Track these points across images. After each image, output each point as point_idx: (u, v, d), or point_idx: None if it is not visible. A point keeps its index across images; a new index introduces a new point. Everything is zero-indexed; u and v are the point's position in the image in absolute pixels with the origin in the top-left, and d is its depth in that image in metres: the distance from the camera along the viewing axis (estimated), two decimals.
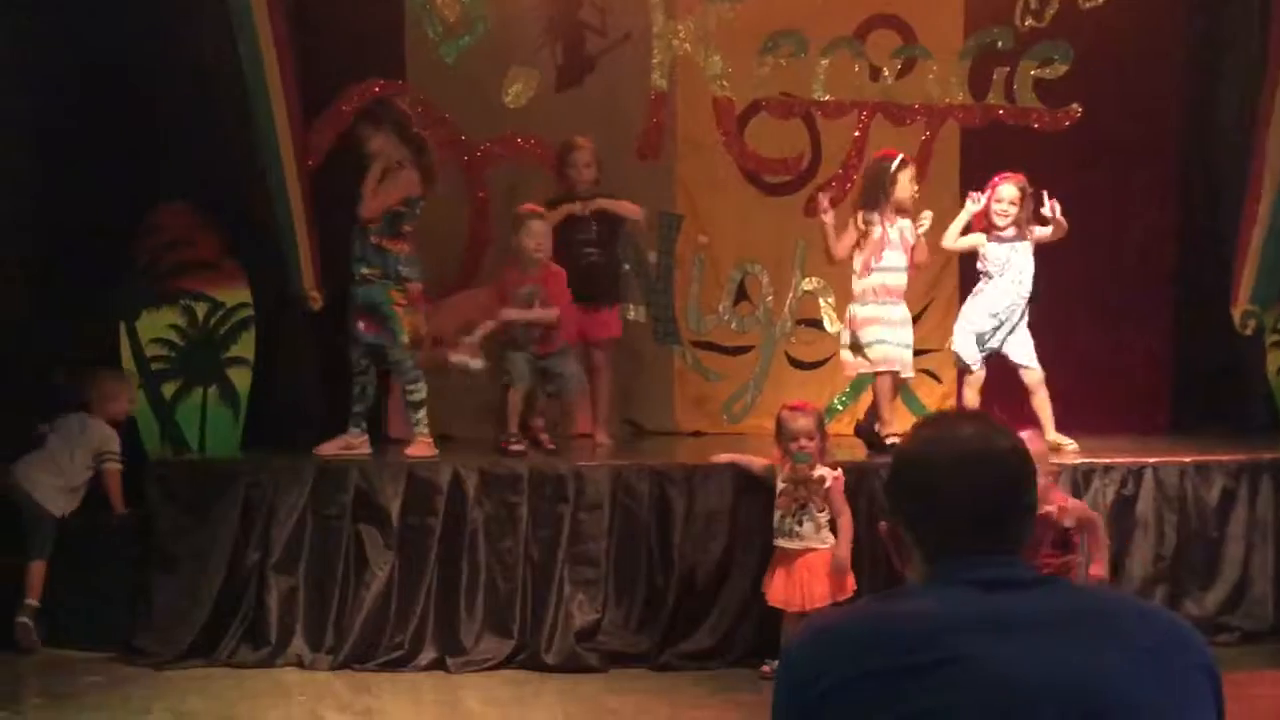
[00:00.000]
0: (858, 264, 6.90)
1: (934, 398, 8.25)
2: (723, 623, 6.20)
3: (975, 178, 7.97)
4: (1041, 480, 4.62)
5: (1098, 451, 6.81)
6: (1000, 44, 8.35)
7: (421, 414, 6.78)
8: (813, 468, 5.91)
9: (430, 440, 6.78)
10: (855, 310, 6.91)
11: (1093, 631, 1.81)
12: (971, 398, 7.17)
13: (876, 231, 6.85)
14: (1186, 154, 8.35)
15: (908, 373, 7.03)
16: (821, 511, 5.92)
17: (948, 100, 8.37)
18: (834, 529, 5.93)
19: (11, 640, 6.22)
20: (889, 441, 6.75)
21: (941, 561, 1.89)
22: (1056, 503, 5.55)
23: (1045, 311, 7.24)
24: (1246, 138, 7.74)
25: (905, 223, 6.94)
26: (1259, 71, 7.70)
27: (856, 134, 8.31)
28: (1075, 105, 8.32)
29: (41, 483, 6.50)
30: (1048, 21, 8.31)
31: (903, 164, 6.96)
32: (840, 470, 6.02)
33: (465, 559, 6.22)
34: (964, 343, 7.11)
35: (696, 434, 8.18)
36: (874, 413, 7.10)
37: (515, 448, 6.75)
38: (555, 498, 6.28)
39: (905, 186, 6.90)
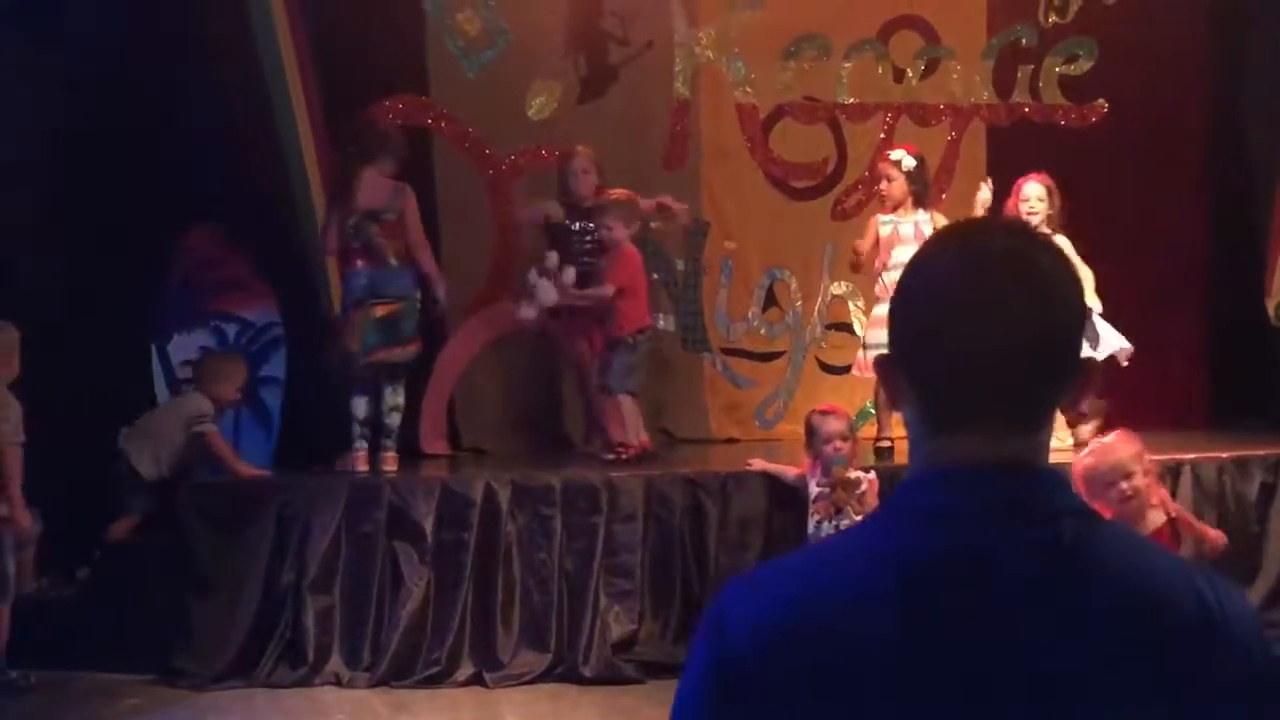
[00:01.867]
0: (878, 264, 6.90)
1: None
2: None
3: (1002, 176, 7.91)
4: (1142, 480, 4.56)
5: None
6: (1024, 42, 8.32)
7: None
8: (846, 470, 5.87)
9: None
10: (874, 311, 6.89)
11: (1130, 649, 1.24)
12: None
13: (885, 230, 6.83)
14: (1215, 147, 8.28)
15: None
16: (859, 515, 5.88)
17: (973, 100, 8.35)
18: None
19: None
20: (881, 445, 6.75)
21: (940, 438, 1.34)
22: (1165, 505, 4.90)
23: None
24: (1275, 128, 7.68)
25: (922, 216, 6.88)
26: None
27: (882, 136, 8.28)
28: (1101, 101, 8.28)
29: (136, 445, 6.64)
30: (1071, 18, 8.28)
31: (899, 159, 6.91)
32: (874, 473, 5.99)
33: (500, 573, 6.20)
34: None
35: (730, 441, 8.17)
36: None
37: (628, 454, 6.76)
38: (589, 509, 6.26)
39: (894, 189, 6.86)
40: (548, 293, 6.90)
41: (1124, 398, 7.56)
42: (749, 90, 8.31)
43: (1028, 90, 8.33)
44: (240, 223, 7.23)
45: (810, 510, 5.92)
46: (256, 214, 7.18)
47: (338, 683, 6.14)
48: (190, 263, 7.22)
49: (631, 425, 6.91)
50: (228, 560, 6.32)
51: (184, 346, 7.20)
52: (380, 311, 6.64)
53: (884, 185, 6.93)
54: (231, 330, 7.22)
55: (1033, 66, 8.31)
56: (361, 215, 6.60)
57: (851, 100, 8.34)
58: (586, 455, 7.06)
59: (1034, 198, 6.98)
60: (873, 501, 5.90)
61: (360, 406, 6.77)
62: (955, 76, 8.33)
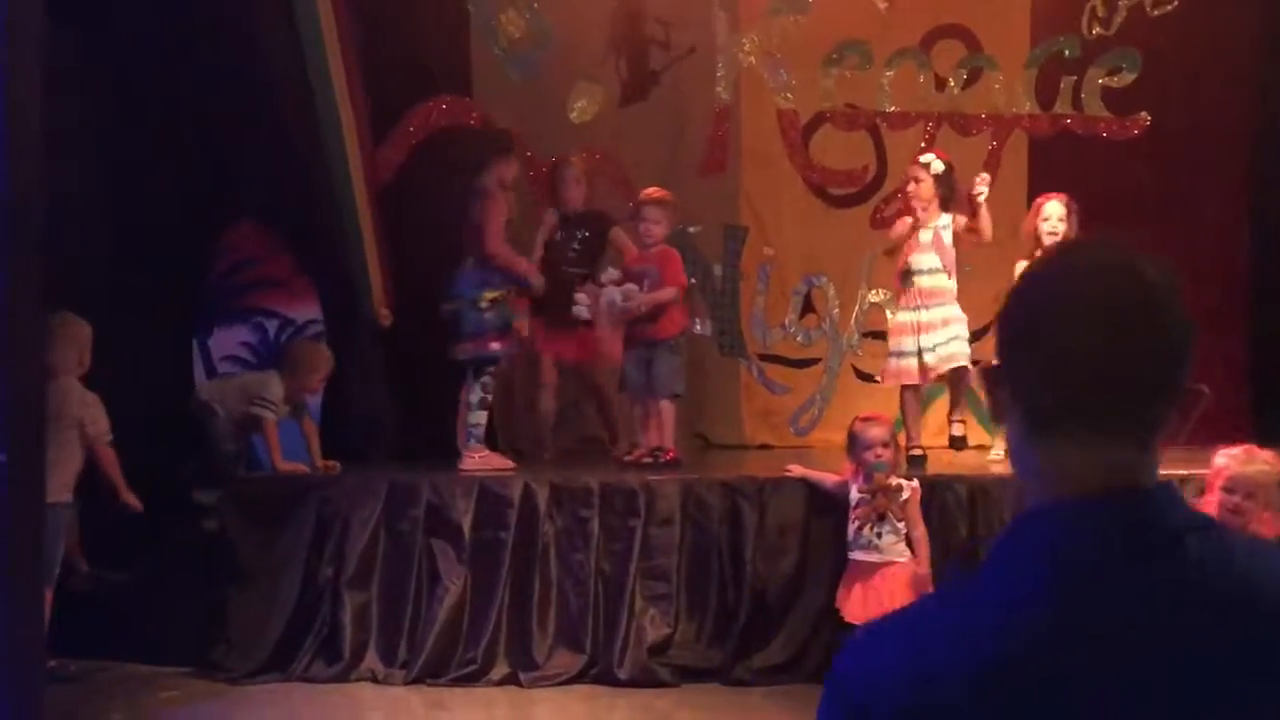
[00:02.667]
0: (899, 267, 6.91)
1: None
2: (796, 637, 6.16)
3: (1043, 187, 7.90)
4: (1253, 503, 4.57)
5: (1176, 463, 6.72)
6: (1067, 53, 8.30)
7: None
8: (888, 477, 5.87)
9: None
10: (892, 319, 6.91)
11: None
12: None
13: (923, 237, 6.84)
14: (1259, 161, 8.23)
15: (947, 366, 6.86)
16: (900, 522, 5.88)
17: (1014, 110, 8.33)
18: (909, 544, 5.88)
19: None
20: (914, 454, 6.73)
21: (1045, 450, 1.33)
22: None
23: None
24: None
25: (943, 220, 6.87)
26: None
27: (922, 145, 8.24)
28: (1144, 114, 8.25)
29: (209, 395, 6.80)
30: (1115, 30, 8.25)
31: (928, 162, 6.93)
32: (916, 481, 5.98)
33: (537, 573, 6.22)
34: None
35: (763, 447, 8.16)
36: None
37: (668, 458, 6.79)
38: (626, 512, 6.27)
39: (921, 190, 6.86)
40: (615, 301, 6.93)
41: None
42: (790, 97, 8.31)
43: (1070, 101, 8.31)
44: (283, 220, 7.27)
45: (851, 517, 5.92)
46: (300, 212, 7.21)
47: (373, 679, 6.17)
48: (233, 258, 7.27)
49: (669, 430, 6.91)
50: (266, 555, 6.37)
51: (224, 341, 7.24)
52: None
53: (911, 187, 6.92)
54: (272, 326, 7.27)
55: (1075, 77, 8.29)
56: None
57: (893, 108, 8.34)
58: (619, 460, 7.05)
59: (1055, 217, 6.96)
60: (914, 511, 5.89)
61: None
62: (997, 86, 8.32)
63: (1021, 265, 7.05)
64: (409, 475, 6.58)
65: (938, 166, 6.95)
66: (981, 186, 6.89)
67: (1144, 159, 8.10)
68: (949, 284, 6.86)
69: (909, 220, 6.89)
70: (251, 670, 6.19)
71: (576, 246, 7.36)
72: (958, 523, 6.21)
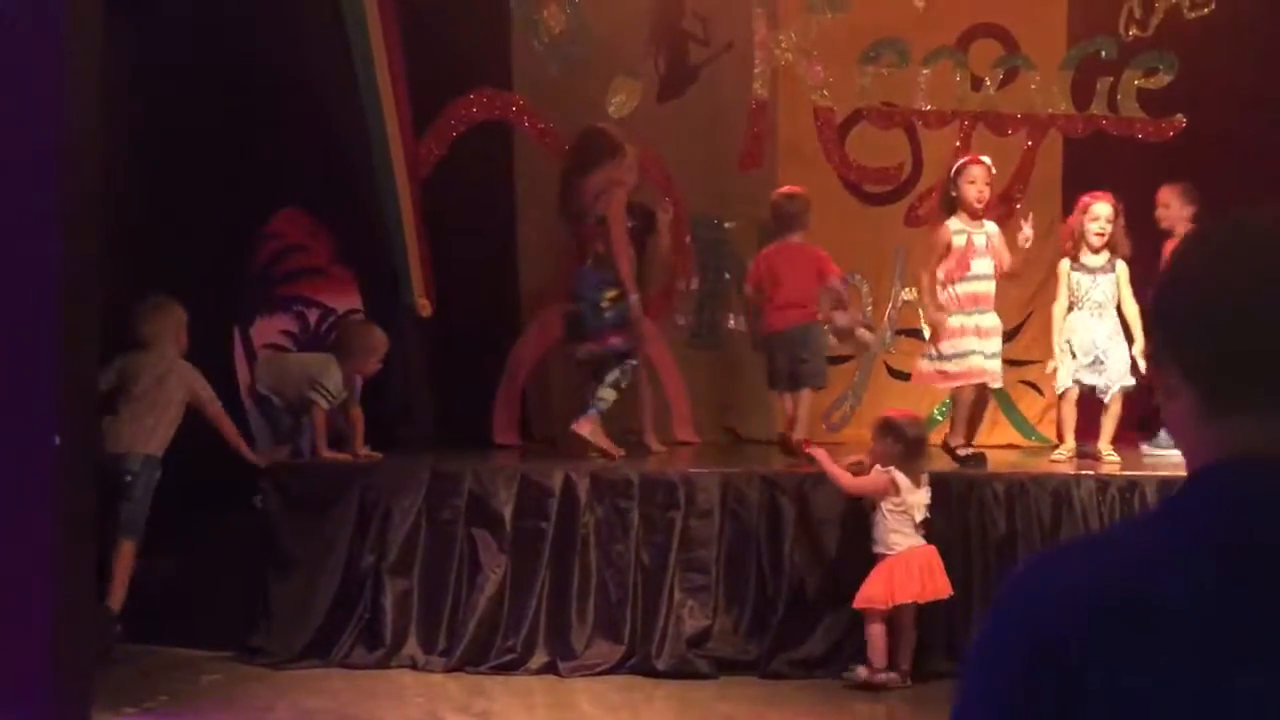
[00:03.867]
0: (942, 273, 6.91)
1: (1035, 409, 8.23)
2: (833, 631, 6.20)
3: (1078, 188, 7.95)
4: None
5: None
6: (1104, 54, 8.31)
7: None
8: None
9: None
10: (946, 321, 6.91)
11: None
12: (1069, 413, 7.16)
13: (960, 240, 6.85)
14: None
15: (996, 383, 7.01)
16: (903, 512, 6.00)
17: (1050, 110, 8.34)
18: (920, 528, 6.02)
19: None
20: (960, 453, 6.81)
21: (1219, 427, 1.31)
22: None
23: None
24: None
25: (992, 227, 6.93)
26: None
27: (958, 144, 8.28)
28: (1180, 115, 8.26)
29: (264, 375, 6.96)
30: (1152, 31, 8.25)
31: (965, 165, 6.96)
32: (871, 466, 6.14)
33: (577, 563, 6.28)
34: (1061, 368, 7.09)
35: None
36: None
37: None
38: (666, 504, 6.32)
39: (971, 188, 6.88)
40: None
41: None
42: (826, 94, 8.34)
43: (1105, 102, 8.32)
44: (325, 209, 7.32)
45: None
46: (342, 201, 7.27)
47: (413, 666, 6.23)
48: (275, 246, 7.31)
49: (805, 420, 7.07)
50: (308, 541, 6.42)
51: (265, 329, 7.29)
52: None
53: (979, 188, 6.92)
54: (313, 315, 7.31)
55: (1111, 79, 8.30)
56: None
57: (929, 107, 8.36)
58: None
59: (1104, 217, 7.03)
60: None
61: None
62: (1033, 86, 8.33)
63: (1066, 264, 7.10)
64: (451, 464, 6.63)
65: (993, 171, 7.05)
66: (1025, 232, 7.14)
67: (1179, 161, 8.10)
68: (992, 290, 6.93)
69: (945, 237, 6.92)
70: (292, 655, 6.25)
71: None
72: (997, 519, 6.27)
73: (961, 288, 6.88)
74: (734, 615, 6.28)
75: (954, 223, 6.91)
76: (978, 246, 6.88)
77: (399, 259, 7.27)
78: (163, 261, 6.89)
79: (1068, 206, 8.08)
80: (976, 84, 8.34)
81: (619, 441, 7.06)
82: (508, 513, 6.33)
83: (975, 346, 6.83)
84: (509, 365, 7.88)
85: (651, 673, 6.14)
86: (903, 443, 6.09)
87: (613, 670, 6.18)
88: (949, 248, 6.89)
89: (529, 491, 6.36)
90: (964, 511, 6.27)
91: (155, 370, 6.45)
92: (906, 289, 8.31)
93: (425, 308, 7.32)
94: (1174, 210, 7.44)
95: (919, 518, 6.01)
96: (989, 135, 8.32)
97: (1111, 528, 1.48)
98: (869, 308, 8.34)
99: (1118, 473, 6.58)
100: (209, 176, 6.98)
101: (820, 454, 6.35)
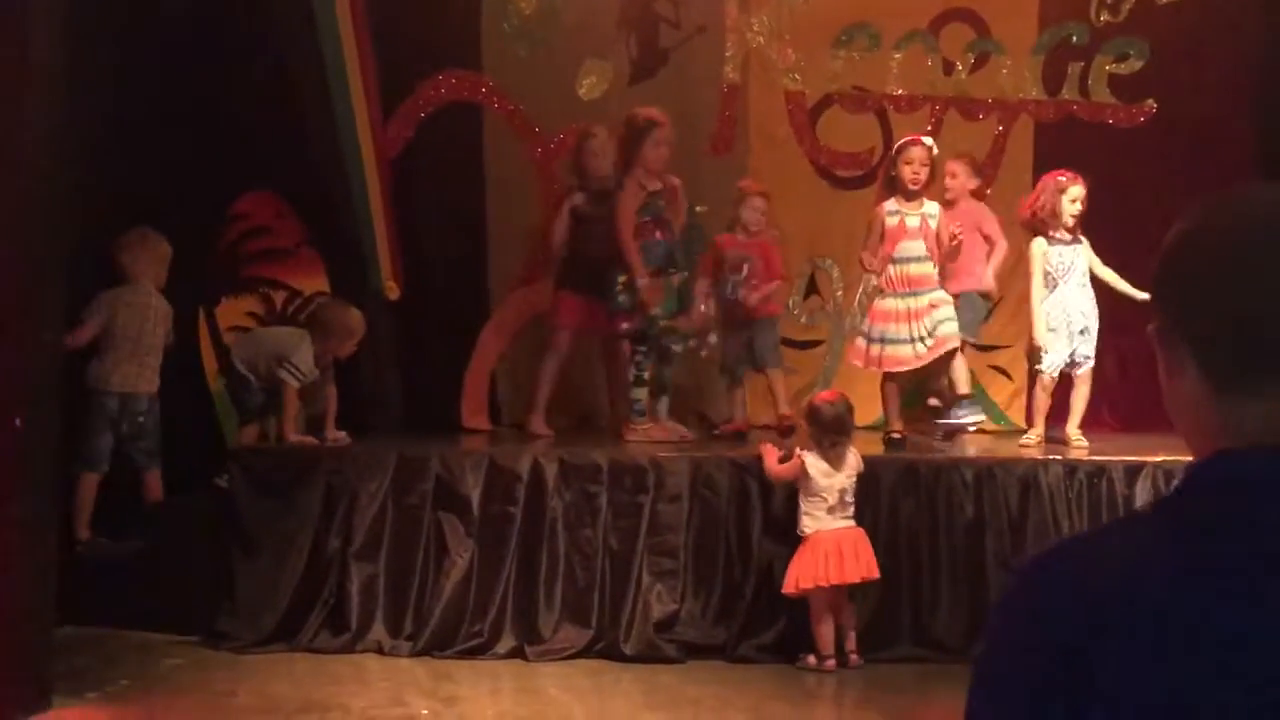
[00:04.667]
0: (874, 258, 6.95)
1: (1004, 395, 8.23)
2: (801, 616, 6.18)
3: (1049, 172, 7.97)
4: None
5: (1155, 449, 6.73)
6: (1075, 39, 8.30)
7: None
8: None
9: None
10: (875, 304, 7.00)
11: None
12: (1042, 398, 7.17)
13: (893, 220, 6.86)
14: (1264, 150, 8.26)
15: (950, 345, 6.95)
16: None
17: (1021, 95, 8.33)
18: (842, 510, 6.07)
19: None
20: (894, 438, 6.87)
21: (1226, 404, 1.29)
22: None
23: (1112, 310, 7.17)
24: None
25: (932, 208, 6.91)
26: None
27: (929, 128, 8.25)
28: (1150, 101, 8.26)
29: (239, 351, 6.88)
30: (1124, 17, 8.24)
31: (904, 145, 6.96)
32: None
33: (544, 548, 6.25)
34: (1051, 350, 7.08)
35: (766, 427, 8.17)
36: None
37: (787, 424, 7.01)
38: (635, 488, 6.30)
39: (907, 169, 6.89)
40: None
41: (1158, 396, 7.59)
42: (798, 78, 8.31)
43: (1077, 88, 8.31)
44: (292, 191, 7.26)
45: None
46: (309, 183, 7.20)
47: (380, 651, 6.20)
48: (242, 227, 7.25)
49: (784, 398, 7.40)
50: (274, 525, 6.38)
51: (231, 311, 7.23)
52: (677, 280, 6.95)
53: (915, 169, 6.92)
54: (279, 298, 7.25)
55: (1083, 64, 8.29)
56: (649, 193, 6.92)
57: (900, 91, 8.34)
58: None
59: (1080, 198, 7.05)
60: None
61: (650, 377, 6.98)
62: (1005, 71, 8.32)
63: (1041, 243, 7.09)
64: (418, 448, 6.59)
65: (935, 150, 7.06)
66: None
67: (1150, 146, 8.12)
68: (933, 270, 6.91)
69: (880, 220, 6.94)
70: (258, 640, 6.21)
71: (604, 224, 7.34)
72: (965, 504, 6.27)
73: (892, 269, 6.89)
74: (702, 600, 6.26)
75: (890, 204, 6.94)
76: (909, 228, 6.89)
77: (367, 241, 7.22)
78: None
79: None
80: (948, 68, 8.33)
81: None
82: (475, 497, 6.30)
83: (904, 334, 6.82)
84: (478, 349, 7.83)
85: (619, 657, 6.13)
86: (817, 425, 6.17)
87: (580, 655, 6.16)
88: (883, 228, 6.89)
89: (497, 476, 6.33)
90: (932, 497, 6.28)
91: (145, 308, 6.63)
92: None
93: (393, 290, 7.27)
94: (960, 181, 7.65)
95: (831, 500, 6.03)
96: (960, 120, 8.32)
97: (1119, 522, 1.43)
98: (839, 292, 8.33)
99: (1085, 458, 6.59)
100: (174, 157, 6.91)
101: (765, 445, 6.37)
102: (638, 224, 6.91)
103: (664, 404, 7.13)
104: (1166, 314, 1.33)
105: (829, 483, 6.03)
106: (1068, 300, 7.05)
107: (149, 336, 6.63)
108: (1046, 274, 7.07)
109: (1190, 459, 1.32)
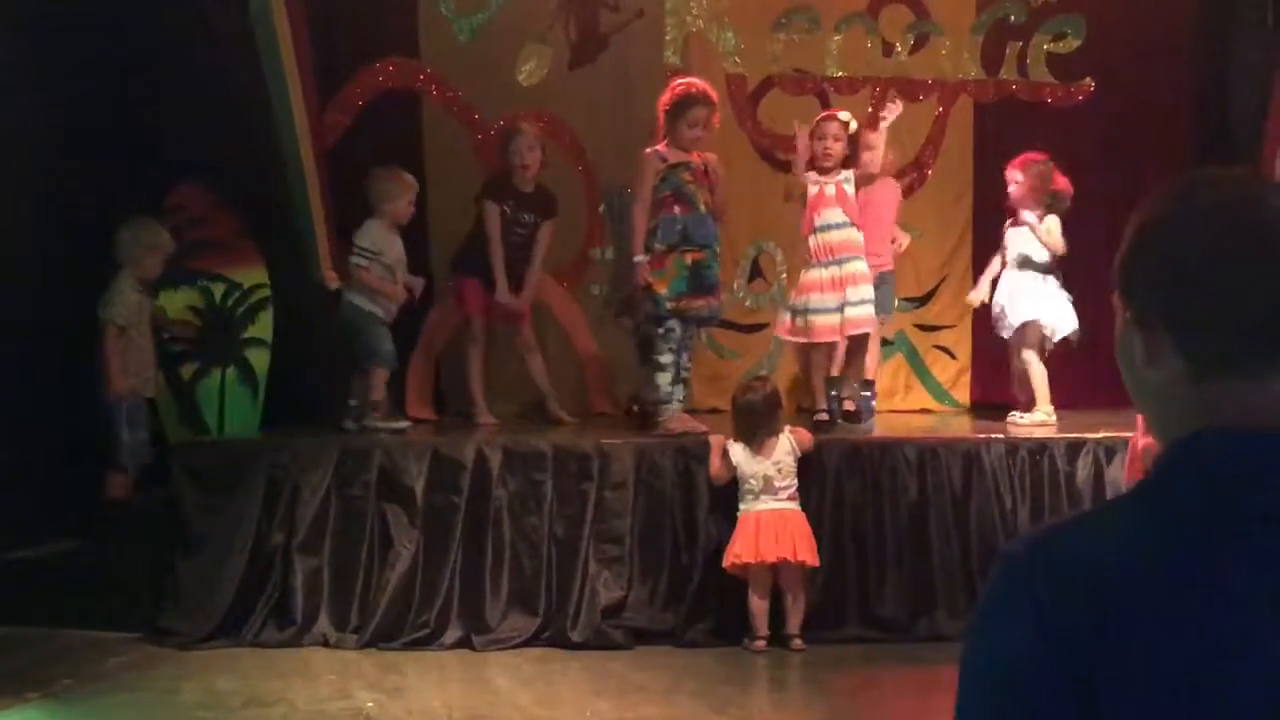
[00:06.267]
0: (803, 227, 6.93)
1: (949, 374, 8.28)
2: (746, 599, 6.20)
3: (989, 152, 8.02)
4: None
5: (1124, 426, 6.80)
6: (1012, 18, 8.33)
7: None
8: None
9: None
10: (800, 276, 6.96)
11: None
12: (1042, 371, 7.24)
13: (813, 190, 6.86)
14: (1200, 126, 8.32)
15: (863, 329, 6.92)
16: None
17: (960, 75, 8.36)
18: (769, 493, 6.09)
19: None
20: (816, 419, 6.82)
21: (1206, 387, 1.31)
22: None
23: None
24: (1258, 108, 7.74)
25: (845, 175, 6.90)
26: (1271, 45, 7.70)
27: (870, 110, 8.27)
28: (1088, 79, 8.31)
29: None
30: None
31: (819, 121, 6.97)
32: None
33: (490, 537, 6.23)
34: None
35: (713, 411, 8.16)
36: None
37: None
38: (580, 475, 6.29)
39: (819, 144, 6.87)
40: None
41: (1098, 375, 7.65)
42: (738, 61, 8.29)
43: (1015, 67, 8.35)
44: (229, 182, 7.17)
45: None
46: (245, 174, 7.11)
47: (325, 644, 6.17)
48: (177, 221, 7.15)
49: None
50: (216, 520, 6.33)
51: (171, 305, 7.14)
52: (691, 259, 6.68)
53: (828, 144, 6.91)
54: (219, 290, 7.17)
55: (1021, 43, 8.32)
56: (669, 165, 6.70)
57: (840, 73, 8.34)
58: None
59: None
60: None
61: (670, 361, 6.74)
62: (944, 52, 8.34)
63: (1055, 220, 7.10)
64: (361, 439, 6.55)
65: (854, 125, 7.01)
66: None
67: (1088, 125, 8.16)
68: (858, 236, 6.89)
69: (811, 175, 6.89)
70: (202, 636, 6.16)
71: (520, 230, 7.30)
72: (908, 483, 6.30)
73: (813, 239, 6.87)
74: (649, 585, 6.26)
75: (810, 175, 6.91)
76: (827, 196, 6.88)
77: (306, 232, 7.14)
78: (60, 239, 6.74)
79: (980, 171, 8.16)
80: (887, 50, 8.34)
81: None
82: (419, 488, 6.27)
83: (829, 304, 6.78)
84: (421, 338, 7.79)
85: (567, 644, 6.12)
86: (737, 414, 6.23)
87: (528, 643, 6.15)
88: (805, 200, 6.90)
89: (441, 466, 6.30)
90: (876, 476, 6.30)
91: (143, 304, 6.84)
92: None
93: (334, 281, 7.19)
94: (876, 154, 7.41)
95: (757, 486, 6.05)
96: (900, 101, 8.30)
97: (1104, 507, 1.42)
98: (782, 274, 8.34)
99: (1026, 435, 6.63)
100: (106, 152, 6.82)
101: (714, 437, 6.36)
102: (657, 198, 6.70)
103: (679, 392, 6.87)
104: (1144, 300, 1.34)
105: (753, 469, 6.07)
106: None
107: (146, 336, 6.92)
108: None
109: (1141, 438, 1.35)
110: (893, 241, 7.49)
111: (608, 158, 8.13)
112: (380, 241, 6.82)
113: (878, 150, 7.25)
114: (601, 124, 8.13)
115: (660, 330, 6.72)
